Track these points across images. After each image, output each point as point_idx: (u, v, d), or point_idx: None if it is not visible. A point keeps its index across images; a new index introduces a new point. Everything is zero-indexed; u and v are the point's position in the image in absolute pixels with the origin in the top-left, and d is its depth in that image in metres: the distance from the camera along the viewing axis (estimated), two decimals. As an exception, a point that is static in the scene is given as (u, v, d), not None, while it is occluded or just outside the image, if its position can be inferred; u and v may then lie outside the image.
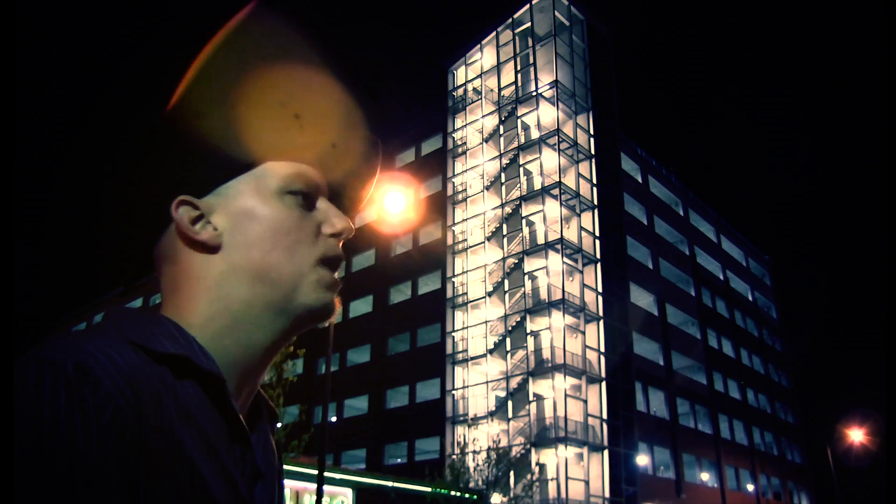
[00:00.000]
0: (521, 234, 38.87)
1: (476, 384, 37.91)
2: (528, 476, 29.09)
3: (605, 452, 35.05)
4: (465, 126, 44.26)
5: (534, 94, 40.43)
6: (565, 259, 37.30)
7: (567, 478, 32.89)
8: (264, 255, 0.75)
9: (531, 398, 35.38)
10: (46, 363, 0.57)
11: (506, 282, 38.53)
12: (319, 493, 13.70)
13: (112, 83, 0.79)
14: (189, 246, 0.75)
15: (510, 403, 36.09)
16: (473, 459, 26.84)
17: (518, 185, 40.07)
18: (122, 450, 0.58)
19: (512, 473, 28.03)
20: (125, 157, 0.78)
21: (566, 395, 34.48)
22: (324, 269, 0.79)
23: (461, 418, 37.18)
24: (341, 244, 0.82)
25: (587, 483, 33.65)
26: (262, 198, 0.76)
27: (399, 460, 39.23)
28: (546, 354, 35.90)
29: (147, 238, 0.78)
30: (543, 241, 37.57)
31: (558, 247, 36.97)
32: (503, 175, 40.97)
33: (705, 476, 45.42)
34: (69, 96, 0.80)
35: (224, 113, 0.75)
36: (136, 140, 0.77)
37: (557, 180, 38.45)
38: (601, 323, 37.66)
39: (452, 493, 24.76)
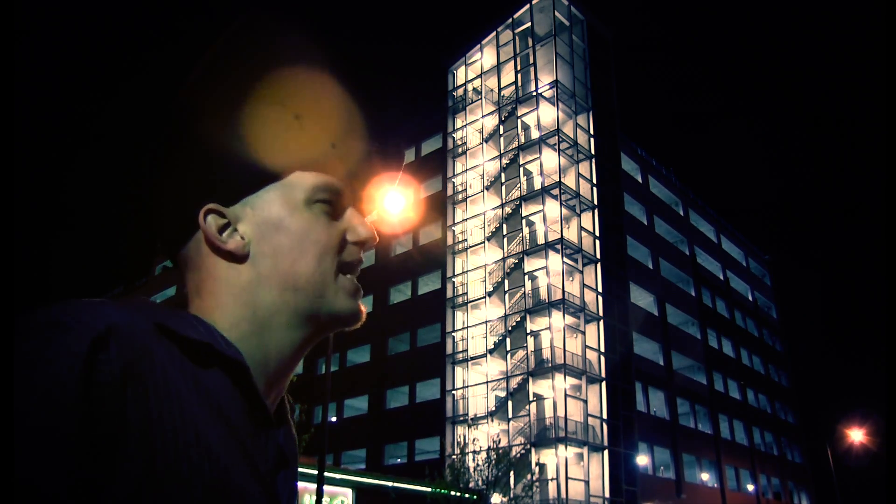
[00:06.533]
0: (521, 234, 38.86)
1: (476, 384, 37.90)
2: (528, 476, 29.09)
3: (605, 452, 35.05)
4: (465, 126, 44.25)
5: (534, 94, 40.42)
6: (565, 259, 37.30)
7: (567, 478, 32.89)
8: (292, 264, 0.76)
9: (531, 398, 35.38)
10: (60, 326, 0.57)
11: (506, 282, 38.52)
12: (319, 493, 13.70)
13: (137, 89, 0.80)
14: (216, 254, 0.76)
15: (510, 403, 36.08)
16: (473, 459, 26.84)
17: (518, 185, 40.07)
18: (114, 414, 0.57)
19: (512, 473, 28.02)
20: (154, 161, 0.79)
21: (566, 395, 34.47)
22: (345, 277, 0.80)
23: (461, 418, 37.18)
24: (363, 252, 0.84)
25: (587, 483, 33.65)
26: (289, 208, 0.77)
27: (399, 460, 39.23)
28: (546, 354, 35.90)
29: (173, 243, 0.79)
30: (543, 241, 37.57)
31: (558, 247, 36.96)
32: (503, 175, 40.97)
33: (705, 476, 45.43)
34: (84, 100, 0.80)
35: (252, 126, 0.77)
36: (166, 146, 0.78)
37: (557, 180, 38.44)
38: (601, 323, 37.65)
39: (452, 493, 24.75)
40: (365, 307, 0.83)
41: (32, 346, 0.55)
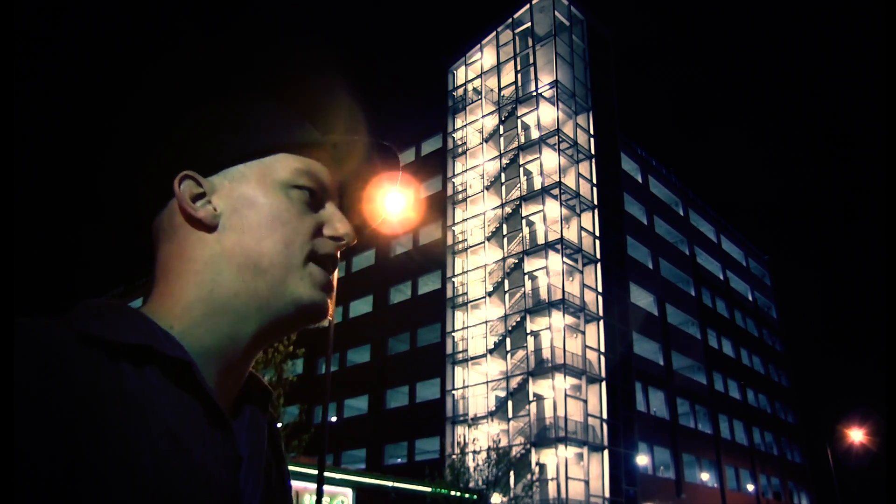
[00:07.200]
0: (521, 234, 38.86)
1: (476, 384, 37.89)
2: (528, 476, 29.08)
3: (605, 452, 35.04)
4: (465, 126, 44.25)
5: (534, 94, 40.41)
6: (565, 259, 37.29)
7: (567, 478, 32.88)
8: (257, 242, 0.74)
9: (531, 398, 35.37)
10: None
11: (506, 282, 38.51)
12: (319, 493, 13.69)
13: (121, 59, 0.80)
14: (187, 222, 0.75)
15: (510, 403, 36.07)
16: (473, 459, 26.83)
17: (518, 185, 40.06)
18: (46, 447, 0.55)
19: (512, 473, 28.01)
20: (134, 130, 0.78)
21: (566, 395, 34.46)
22: (316, 266, 0.78)
23: (461, 418, 37.18)
24: (339, 250, 0.81)
25: (587, 483, 33.64)
26: (265, 187, 0.76)
27: (399, 460, 39.22)
28: (546, 354, 35.89)
29: (148, 209, 0.78)
30: (543, 241, 37.56)
31: (558, 247, 36.95)
32: (503, 175, 40.96)
33: (705, 476, 45.42)
34: (67, 72, 0.79)
35: (240, 100, 0.77)
36: (148, 114, 0.77)
37: (557, 180, 38.43)
38: (601, 323, 37.64)
39: (452, 493, 24.75)
40: (332, 303, 0.80)
41: None
